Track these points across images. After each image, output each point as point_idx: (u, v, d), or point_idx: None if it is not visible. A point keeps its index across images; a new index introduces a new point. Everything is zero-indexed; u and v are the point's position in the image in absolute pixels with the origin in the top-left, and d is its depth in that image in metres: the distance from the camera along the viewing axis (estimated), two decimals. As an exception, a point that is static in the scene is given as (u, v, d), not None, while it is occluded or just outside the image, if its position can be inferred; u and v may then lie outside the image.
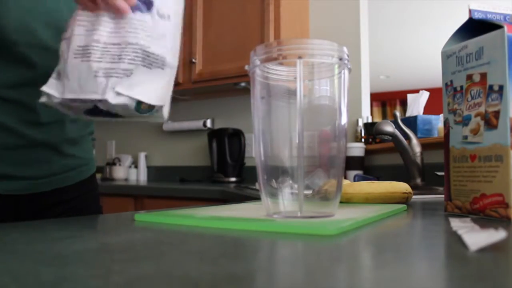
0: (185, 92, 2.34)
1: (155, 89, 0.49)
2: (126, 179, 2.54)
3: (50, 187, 0.69)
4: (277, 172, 0.43)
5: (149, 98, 0.48)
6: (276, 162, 0.44)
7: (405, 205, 0.58)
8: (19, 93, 0.61)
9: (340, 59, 0.43)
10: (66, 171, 0.71)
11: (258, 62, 0.44)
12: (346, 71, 0.44)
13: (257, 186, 1.57)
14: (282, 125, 0.45)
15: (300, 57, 0.42)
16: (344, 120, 0.44)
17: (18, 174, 0.64)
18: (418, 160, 1.18)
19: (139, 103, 0.48)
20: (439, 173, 1.23)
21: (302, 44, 0.43)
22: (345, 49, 0.44)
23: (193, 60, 2.15)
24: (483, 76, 0.47)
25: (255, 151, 0.45)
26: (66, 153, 0.70)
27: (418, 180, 1.17)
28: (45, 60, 0.63)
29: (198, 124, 2.40)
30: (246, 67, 0.45)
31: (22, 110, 0.62)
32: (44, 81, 0.64)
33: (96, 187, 0.82)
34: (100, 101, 0.46)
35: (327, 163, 0.45)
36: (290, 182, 0.42)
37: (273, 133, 0.45)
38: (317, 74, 0.45)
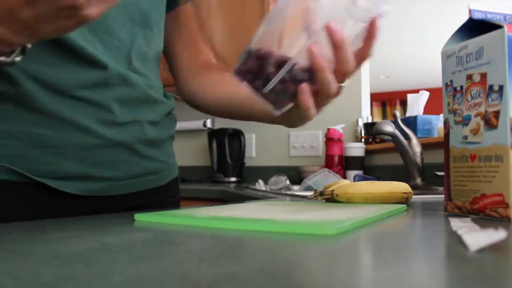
0: (185, 92, 2.34)
1: None
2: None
3: (128, 189, 0.68)
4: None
5: None
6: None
7: (405, 205, 0.58)
8: (92, 93, 0.61)
9: None
10: (145, 174, 0.70)
11: None
12: None
13: (257, 186, 1.56)
14: None
15: None
16: None
17: (97, 174, 0.63)
18: (418, 160, 1.18)
19: None
20: (439, 173, 1.23)
21: None
22: None
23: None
24: (483, 76, 0.47)
25: None
26: (144, 155, 0.69)
27: (418, 180, 1.17)
28: (115, 62, 0.62)
29: (198, 124, 2.40)
30: None
31: (97, 109, 0.61)
32: (116, 81, 0.63)
33: (176, 193, 0.81)
34: None
35: None
36: None
37: None
38: None
